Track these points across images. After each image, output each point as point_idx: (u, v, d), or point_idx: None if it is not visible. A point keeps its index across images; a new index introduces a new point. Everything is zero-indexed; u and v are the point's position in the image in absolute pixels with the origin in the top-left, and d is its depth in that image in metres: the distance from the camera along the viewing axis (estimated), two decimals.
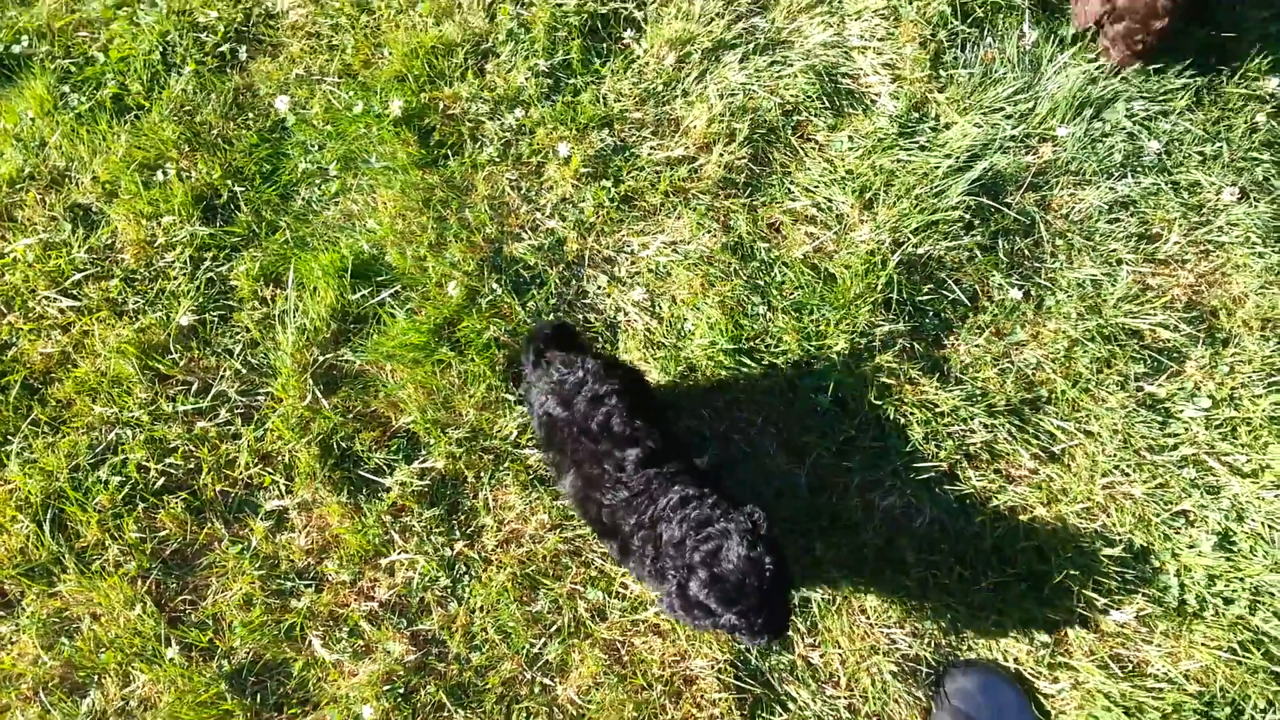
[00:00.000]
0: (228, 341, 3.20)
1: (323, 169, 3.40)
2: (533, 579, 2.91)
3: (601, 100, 3.43)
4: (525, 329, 3.10)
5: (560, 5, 3.50)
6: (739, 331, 3.13)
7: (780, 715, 2.77)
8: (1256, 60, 3.36)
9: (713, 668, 2.78)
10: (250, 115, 3.49)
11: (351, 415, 3.08)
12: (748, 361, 3.09)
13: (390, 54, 3.49)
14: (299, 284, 3.21)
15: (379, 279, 3.22)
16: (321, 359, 3.13)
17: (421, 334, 3.10)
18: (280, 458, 3.04)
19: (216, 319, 3.23)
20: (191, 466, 3.06)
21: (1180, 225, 3.22)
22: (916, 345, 3.11)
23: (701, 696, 2.77)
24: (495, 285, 3.21)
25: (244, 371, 3.16)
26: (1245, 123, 3.33)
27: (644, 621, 2.86)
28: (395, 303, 3.20)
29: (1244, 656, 2.75)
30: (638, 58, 3.49)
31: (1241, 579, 2.83)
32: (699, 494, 2.39)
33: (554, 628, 2.87)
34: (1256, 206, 3.22)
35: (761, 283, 3.22)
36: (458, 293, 3.16)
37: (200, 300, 3.24)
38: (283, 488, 3.01)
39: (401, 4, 3.56)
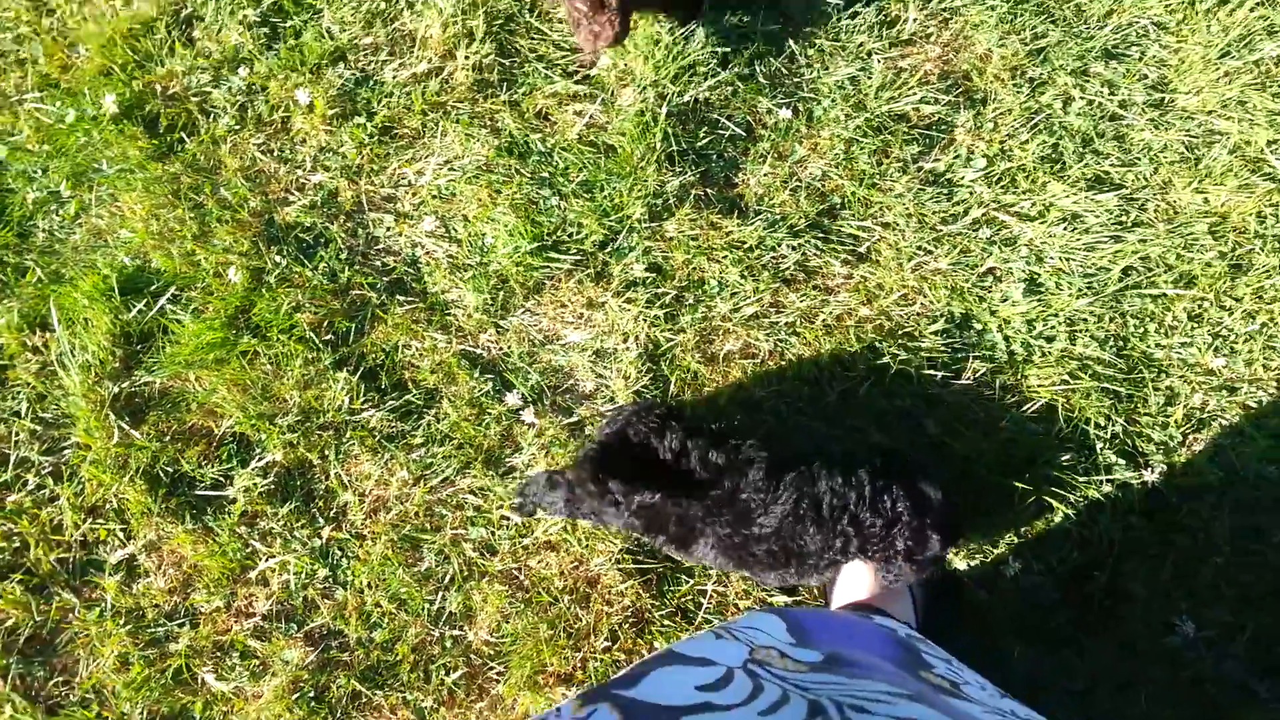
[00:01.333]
0: (11, 404, 2.54)
1: (55, 193, 2.70)
2: (412, 538, 2.46)
3: (326, 34, 2.84)
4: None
5: None
6: (538, 229, 2.70)
7: (686, 582, 2.50)
8: None
9: (611, 561, 2.46)
10: None
11: (169, 438, 2.50)
12: (555, 255, 2.67)
13: (87, 50, 2.78)
14: (67, 321, 2.57)
15: (152, 289, 2.62)
16: (118, 390, 2.53)
17: (215, 331, 2.55)
18: (108, 505, 2.45)
19: None
20: (16, 545, 2.46)
21: (915, 2, 2.92)
22: (709, 191, 2.76)
23: (609, 591, 2.44)
24: (278, 257, 2.65)
25: (39, 430, 2.53)
26: None
27: (534, 542, 2.50)
28: (177, 308, 2.61)
29: (1075, 384, 2.60)
30: None
31: (1055, 315, 2.64)
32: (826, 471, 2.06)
33: (447, 578, 2.44)
34: None
35: (546, 174, 2.77)
36: (240, 277, 2.61)
37: None
38: (121, 536, 2.44)
39: None
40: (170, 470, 2.49)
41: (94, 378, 2.53)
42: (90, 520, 2.47)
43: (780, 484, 2.02)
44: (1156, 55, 2.87)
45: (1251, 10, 2.87)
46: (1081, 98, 2.82)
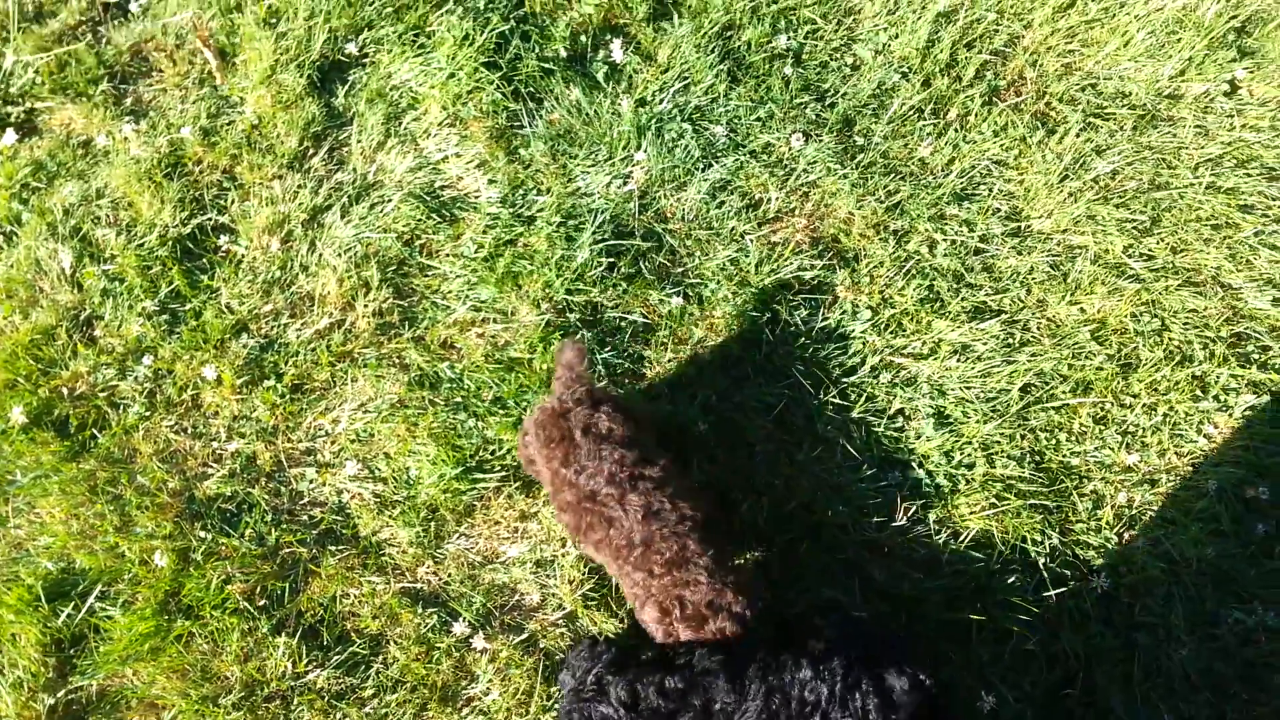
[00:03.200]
0: None
1: None
2: None
3: (227, 310, 3.15)
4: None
5: (142, 244, 3.20)
6: (460, 453, 2.93)
7: None
8: (759, 27, 3.58)
9: None
10: None
11: None
12: (480, 475, 2.89)
13: None
14: None
15: (79, 589, 2.75)
16: (54, 702, 2.61)
17: (147, 620, 2.66)
18: None
19: None
20: None
21: (773, 183, 3.35)
22: (619, 388, 3.05)
23: None
24: (202, 532, 2.82)
25: None
26: (778, 79, 3.53)
27: None
28: (106, 604, 2.73)
29: (1004, 505, 2.84)
30: (242, 257, 3.23)
31: (969, 442, 2.92)
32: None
33: None
34: (822, 140, 3.40)
35: (460, 399, 3.04)
36: (167, 561, 2.76)
37: None
38: None
39: None
40: None
41: (28, 693, 2.61)
42: None
43: (746, 682, 2.17)
44: (1003, 189, 3.33)
45: (1078, 136, 3.38)
46: (944, 239, 3.24)
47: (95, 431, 2.98)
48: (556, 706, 2.59)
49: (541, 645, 2.71)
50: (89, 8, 3.59)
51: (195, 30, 3.49)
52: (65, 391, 3.01)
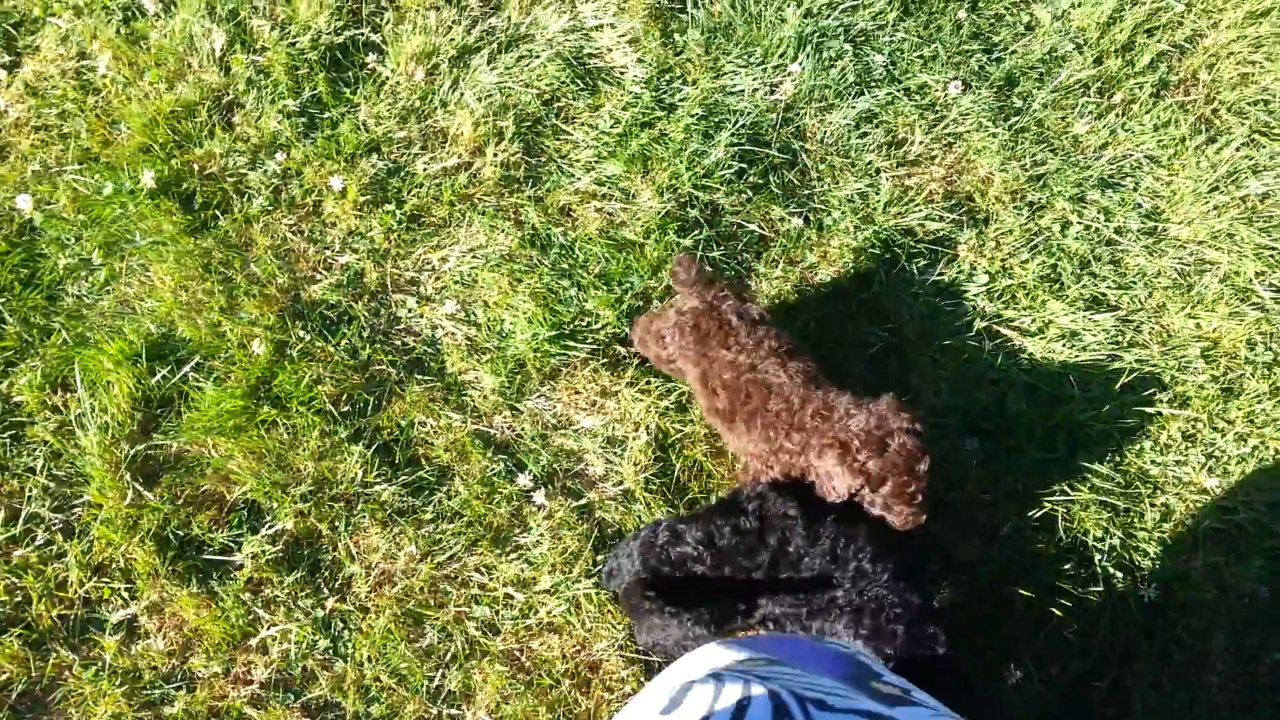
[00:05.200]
0: (26, 460, 2.72)
1: (86, 260, 2.95)
2: (415, 614, 2.62)
3: (362, 127, 3.16)
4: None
5: (294, 44, 3.21)
6: (556, 318, 2.96)
7: None
8: None
9: (614, 648, 2.61)
10: None
11: (181, 501, 2.68)
12: (572, 344, 2.92)
13: (129, 129, 3.08)
14: (90, 383, 2.78)
15: (176, 356, 2.84)
16: (133, 452, 2.72)
17: (236, 400, 2.75)
18: (115, 565, 2.61)
19: (8, 440, 2.76)
20: (19, 599, 2.59)
21: (920, 126, 3.27)
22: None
23: (610, 678, 2.59)
24: (302, 332, 2.89)
25: (52, 486, 2.70)
26: (950, 21, 3.42)
27: (538, 623, 2.66)
28: (199, 375, 2.83)
29: (1075, 495, 2.81)
30: (387, 79, 3.24)
31: (1058, 425, 2.90)
32: None
33: (449, 656, 2.59)
34: (979, 94, 3.30)
35: (566, 266, 3.05)
36: (264, 349, 2.84)
37: None
38: (125, 595, 2.59)
39: (128, 77, 3.16)
40: (180, 533, 2.65)
41: (111, 438, 2.72)
42: (95, 579, 2.61)
43: (819, 529, 2.24)
44: (1150, 186, 3.22)
45: (1238, 150, 3.25)
46: (1079, 222, 3.16)
47: (218, 213, 3.04)
48: (598, 573, 2.66)
49: (596, 515, 2.76)
50: None
51: None
52: (196, 168, 3.06)
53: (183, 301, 2.89)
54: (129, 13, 3.23)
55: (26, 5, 3.26)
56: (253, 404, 2.78)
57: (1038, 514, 2.79)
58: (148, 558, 2.60)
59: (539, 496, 2.74)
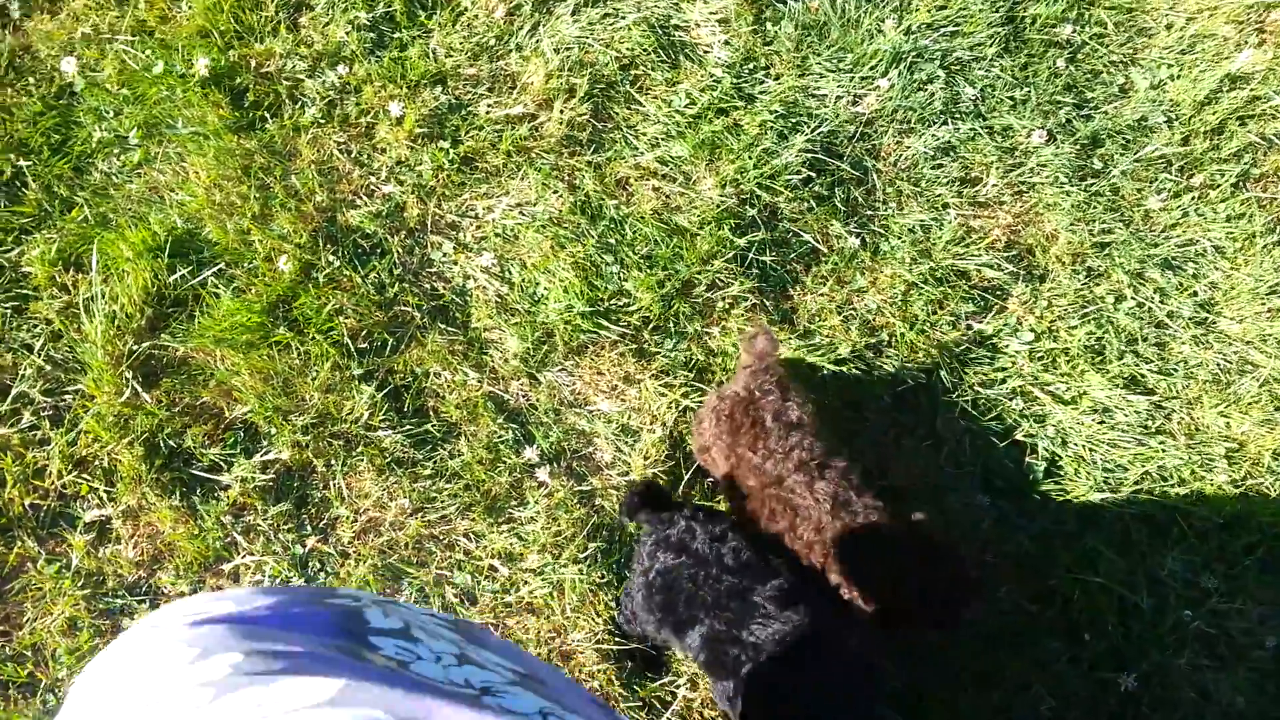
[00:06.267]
0: (25, 336, 2.57)
1: (121, 137, 2.77)
2: (395, 569, 2.50)
3: (432, 55, 2.98)
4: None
5: None
6: (594, 293, 2.82)
7: (656, 680, 2.55)
8: (1052, 7, 3.30)
9: (590, 640, 2.52)
10: (31, 80, 2.79)
11: (178, 409, 2.54)
12: (605, 323, 2.79)
13: (190, 8, 2.89)
14: (104, 267, 2.62)
15: (198, 257, 2.68)
16: (138, 348, 2.57)
17: (253, 314, 2.61)
18: (98, 462, 2.48)
19: (9, 311, 2.60)
20: None
21: (997, 169, 3.13)
22: (765, 301, 2.91)
23: (582, 670, 2.50)
24: (332, 257, 2.74)
25: (47, 369, 2.55)
26: (1048, 68, 3.26)
27: (518, 601, 2.55)
28: (219, 282, 2.67)
29: (1077, 572, 2.74)
30: (466, 9, 3.05)
31: (1070, 501, 2.81)
32: None
33: None
34: (1062, 147, 3.16)
35: (613, 241, 2.91)
36: (290, 267, 2.68)
37: None
38: (103, 495, 2.45)
39: None
40: (171, 443, 2.52)
41: (117, 330, 2.57)
42: (76, 472, 2.48)
43: (791, 611, 2.10)
44: (1210, 276, 3.10)
45: None
46: (1134, 298, 3.04)
47: (267, 115, 2.86)
48: (589, 552, 2.56)
49: (596, 502, 2.65)
50: None
51: None
52: (253, 64, 2.88)
53: (215, 201, 2.73)
54: None
55: None
56: (269, 322, 2.63)
57: (1036, 589, 2.71)
58: (134, 461, 2.46)
59: (542, 473, 2.62)
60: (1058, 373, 2.94)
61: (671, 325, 2.84)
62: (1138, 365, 2.97)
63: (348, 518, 2.54)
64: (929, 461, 2.80)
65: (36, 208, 2.68)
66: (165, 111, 2.80)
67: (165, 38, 2.86)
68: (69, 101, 2.80)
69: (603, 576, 2.56)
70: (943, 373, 2.87)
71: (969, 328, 2.96)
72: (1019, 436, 2.86)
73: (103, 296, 2.60)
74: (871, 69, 3.15)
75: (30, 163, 2.70)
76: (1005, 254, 3.03)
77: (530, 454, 2.64)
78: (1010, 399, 2.89)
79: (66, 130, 2.77)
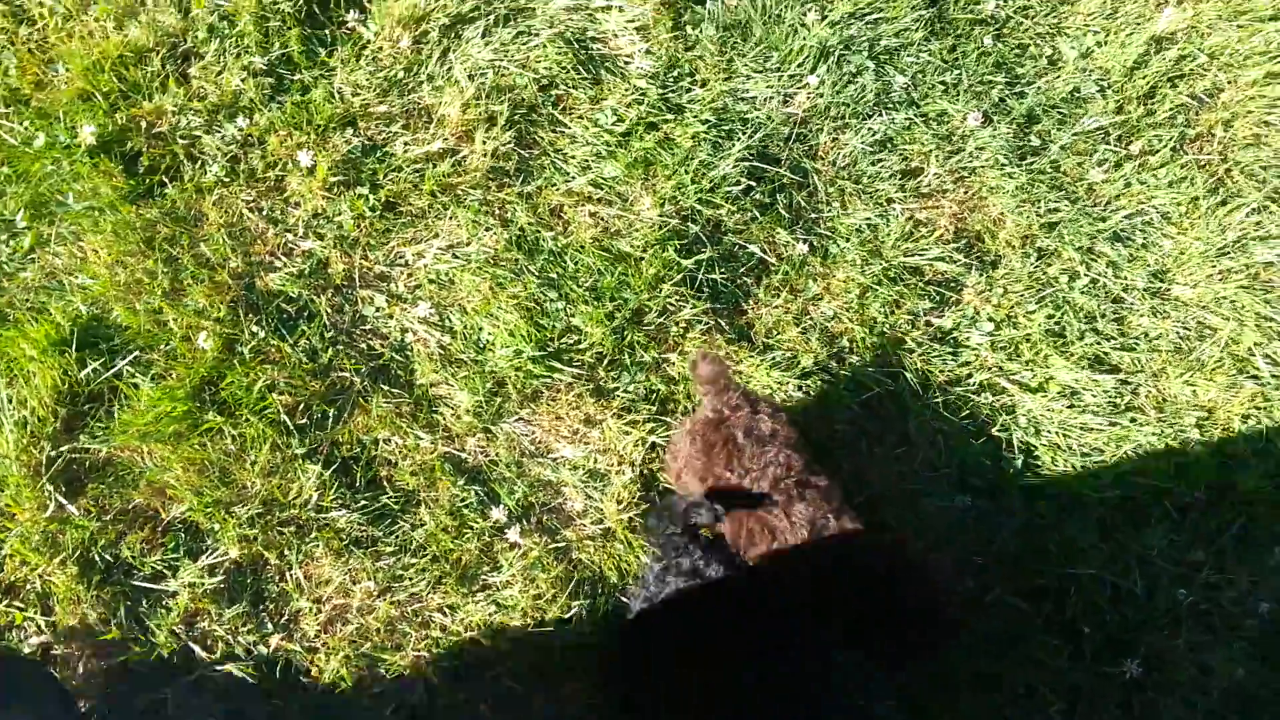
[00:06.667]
0: None
1: (7, 221, 2.51)
2: (370, 656, 2.34)
3: (337, 96, 2.77)
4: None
5: None
6: (542, 334, 2.67)
7: None
8: None
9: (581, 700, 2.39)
10: None
11: (110, 517, 2.31)
12: (558, 365, 2.64)
13: (68, 70, 2.63)
14: (7, 369, 2.38)
15: (109, 345, 2.45)
16: (56, 455, 2.33)
17: (177, 401, 2.39)
18: (30, 586, 2.24)
19: None
20: None
21: (936, 156, 3.04)
22: (720, 320, 2.78)
23: None
24: (255, 328, 2.53)
25: None
26: (975, 47, 3.18)
27: (505, 671, 2.40)
28: (135, 370, 2.45)
29: (1073, 568, 2.69)
30: (369, 43, 2.84)
31: (1050, 491, 2.76)
32: None
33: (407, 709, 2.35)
34: (999, 128, 3.08)
35: (554, 276, 2.75)
36: (211, 345, 2.47)
37: None
38: (40, 623, 2.24)
39: (69, 8, 2.69)
40: (107, 555, 2.29)
41: (30, 437, 2.33)
42: (7, 601, 2.24)
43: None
44: (1160, 245, 3.07)
45: (1248, 214, 3.12)
46: (1087, 275, 2.99)
47: (165, 179, 2.63)
48: (573, 611, 2.42)
49: (573, 556, 2.51)
50: None
51: None
52: (143, 125, 2.63)
53: (120, 281, 2.49)
54: None
55: None
56: (196, 408, 2.41)
57: (1027, 586, 2.66)
58: (69, 581, 2.23)
59: (513, 533, 2.46)
60: (1022, 360, 2.88)
61: (627, 358, 2.70)
62: (1099, 344, 2.93)
63: (311, 609, 2.35)
64: (904, 467, 2.72)
65: None
66: (53, 187, 2.55)
67: (43, 105, 2.61)
68: None
69: (590, 634, 2.42)
70: (908, 375, 2.79)
71: (928, 324, 2.88)
72: (993, 432, 2.80)
73: (9, 402, 2.35)
74: (799, 66, 3.04)
75: None
76: (954, 244, 2.96)
77: (497, 514, 2.48)
78: (978, 394, 2.82)
79: None
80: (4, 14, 2.68)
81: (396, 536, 2.44)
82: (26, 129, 2.57)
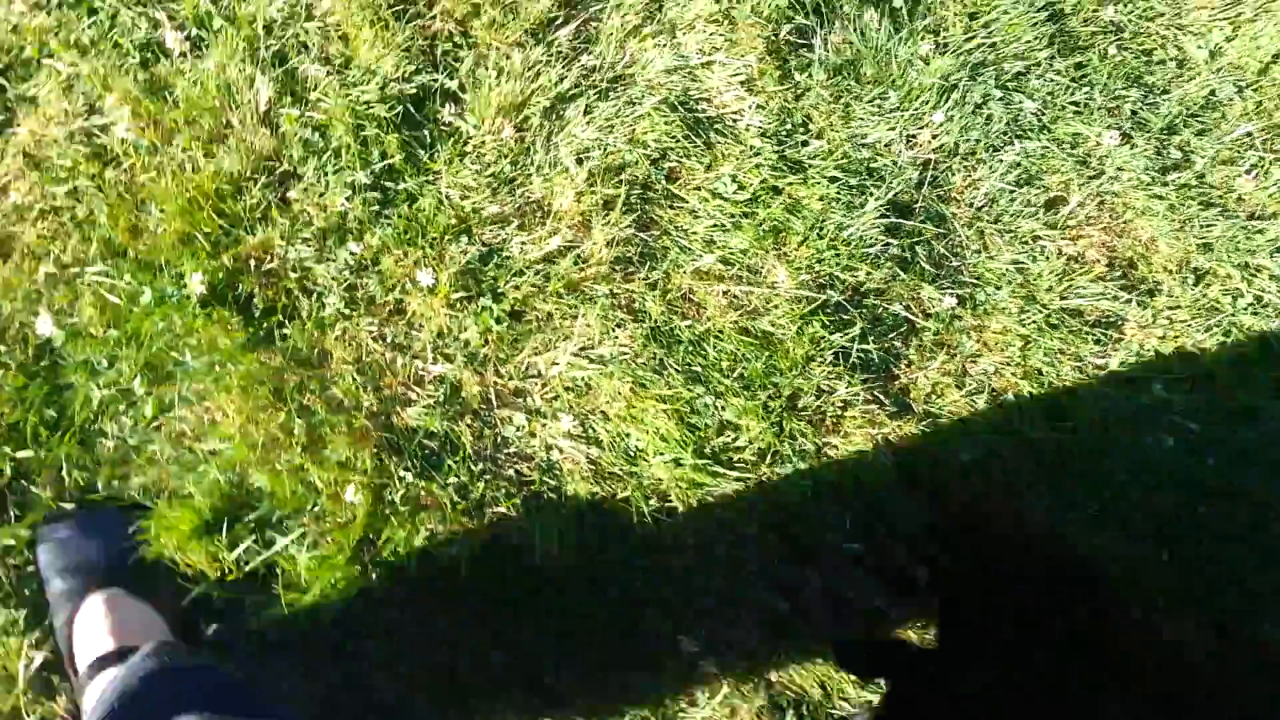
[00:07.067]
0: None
1: (125, 391, 2.22)
2: None
3: (446, 201, 2.51)
4: None
5: (355, 95, 2.51)
6: (695, 435, 2.43)
7: None
8: None
9: None
10: (1, 348, 2.26)
11: None
12: (720, 469, 2.40)
13: (162, 212, 2.35)
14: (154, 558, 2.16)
15: (256, 515, 2.22)
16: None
17: (338, 569, 2.16)
18: None
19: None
20: None
21: (1076, 183, 2.77)
22: (877, 393, 2.53)
23: None
24: (403, 472, 2.29)
25: None
26: (1100, 58, 2.89)
27: None
28: (283, 534, 2.23)
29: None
30: (469, 137, 2.56)
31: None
32: None
33: None
34: (1137, 145, 2.81)
35: (698, 368, 2.51)
36: (362, 499, 2.21)
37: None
38: None
39: (153, 141, 2.39)
40: None
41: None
42: None
43: None
44: None
45: None
46: (1249, 292, 2.73)
47: (284, 319, 2.37)
48: None
49: (772, 680, 2.29)
50: None
51: None
52: (252, 263, 2.37)
53: (254, 440, 2.24)
54: (147, 54, 2.44)
55: (14, 40, 2.46)
56: (358, 574, 2.19)
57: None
58: None
59: (709, 664, 2.25)
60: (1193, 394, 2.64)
61: (788, 448, 2.46)
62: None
63: None
64: (1102, 534, 2.49)
65: (50, 506, 2.17)
66: (167, 346, 2.27)
67: (143, 254, 2.32)
68: (51, 361, 2.25)
69: None
70: (1085, 431, 2.54)
71: (1096, 369, 2.62)
72: (1180, 480, 2.56)
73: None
74: (921, 103, 2.75)
75: (30, 453, 2.18)
76: (1110, 278, 2.69)
77: (688, 645, 2.26)
78: (1155, 439, 2.58)
79: (58, 399, 2.22)
80: (86, 155, 2.39)
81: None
82: (130, 285, 2.30)
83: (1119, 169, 2.74)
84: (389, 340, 2.38)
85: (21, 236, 2.30)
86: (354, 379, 2.31)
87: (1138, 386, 2.58)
